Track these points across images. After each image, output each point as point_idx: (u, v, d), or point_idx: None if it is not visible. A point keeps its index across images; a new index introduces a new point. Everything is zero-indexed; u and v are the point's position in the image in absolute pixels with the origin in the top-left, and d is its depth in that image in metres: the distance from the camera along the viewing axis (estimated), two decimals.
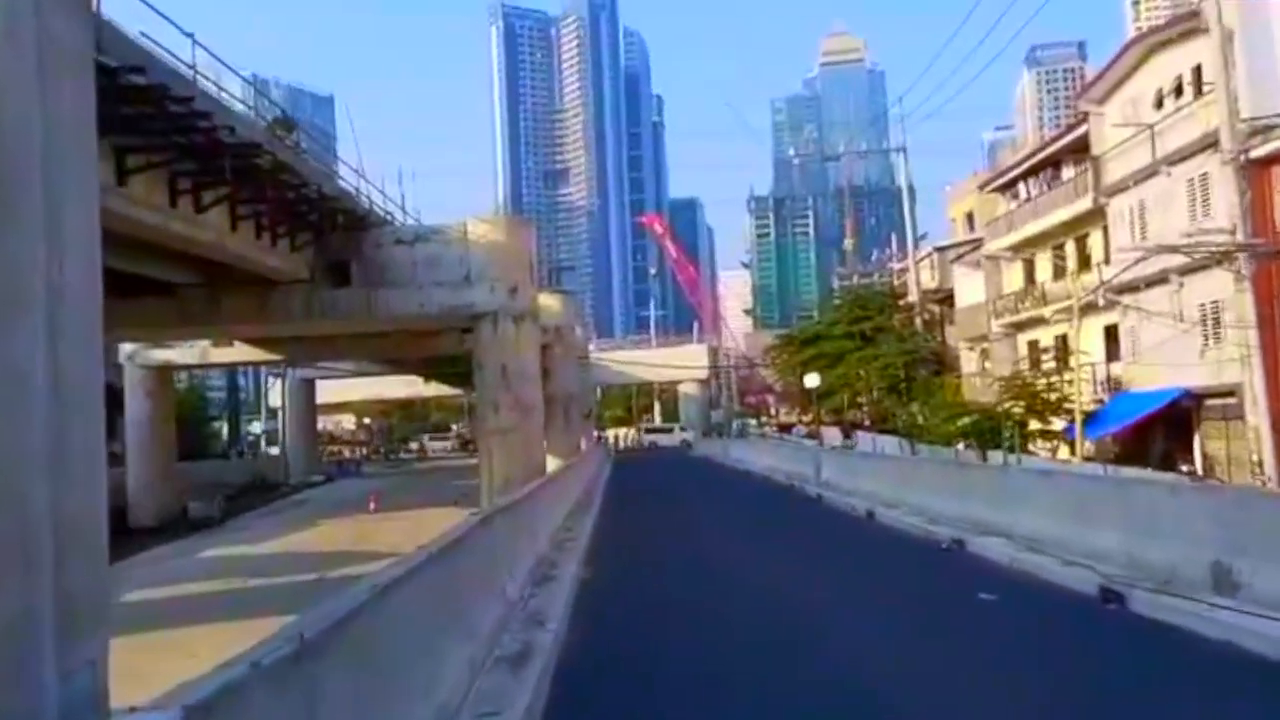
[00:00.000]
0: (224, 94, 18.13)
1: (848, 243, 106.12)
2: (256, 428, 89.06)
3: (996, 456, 28.30)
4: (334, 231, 23.53)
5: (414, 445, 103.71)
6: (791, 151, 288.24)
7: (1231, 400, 25.94)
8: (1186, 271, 27.24)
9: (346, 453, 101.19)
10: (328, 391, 77.85)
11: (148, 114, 14.73)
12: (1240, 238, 24.01)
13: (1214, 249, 24.02)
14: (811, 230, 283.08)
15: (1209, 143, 25.79)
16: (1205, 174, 26.43)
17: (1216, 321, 26.48)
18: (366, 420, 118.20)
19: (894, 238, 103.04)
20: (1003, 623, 9.59)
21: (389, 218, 27.41)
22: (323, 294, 25.18)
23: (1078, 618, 9.46)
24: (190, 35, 16.55)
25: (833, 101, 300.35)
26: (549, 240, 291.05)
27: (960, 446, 35.03)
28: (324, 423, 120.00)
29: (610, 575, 13.10)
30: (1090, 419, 30.60)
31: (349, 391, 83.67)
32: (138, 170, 16.40)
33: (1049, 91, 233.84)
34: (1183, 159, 27.29)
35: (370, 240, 25.54)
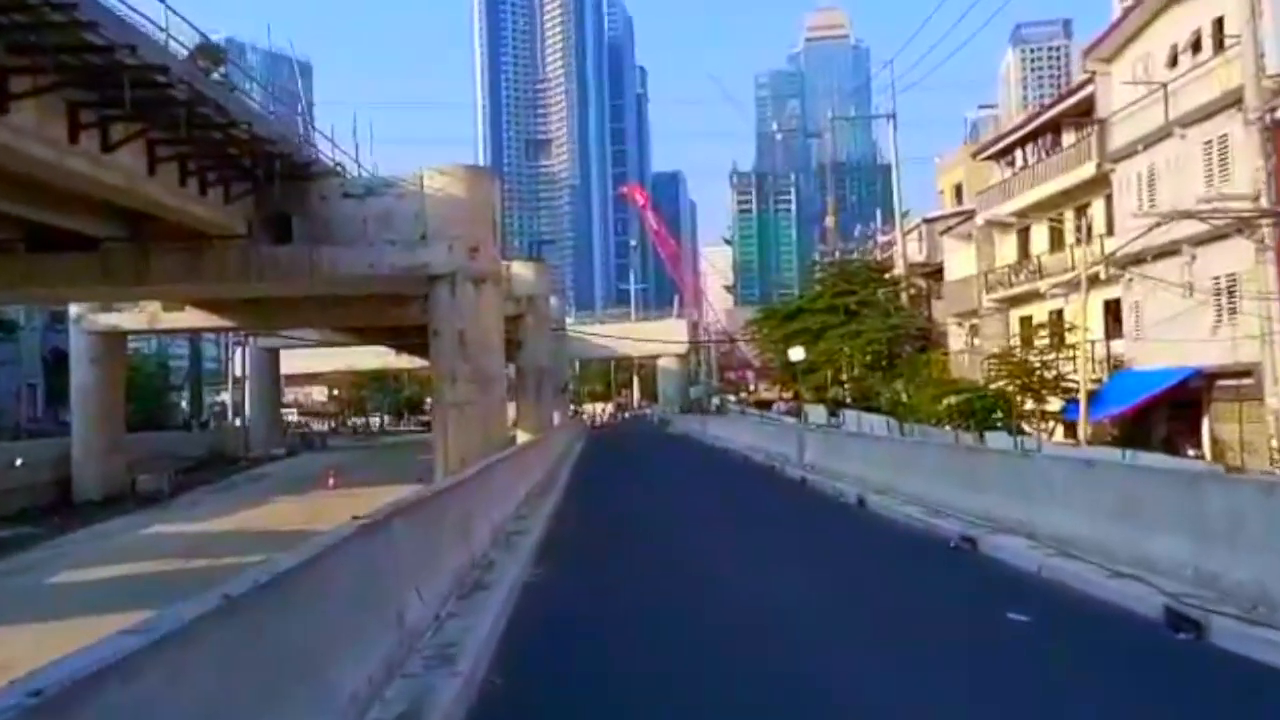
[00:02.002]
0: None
1: (829, 219, 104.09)
2: (225, 398, 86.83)
3: (993, 438, 26.38)
4: (274, 181, 21.11)
5: None
6: (774, 126, 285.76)
7: (1247, 381, 24.08)
8: (1200, 242, 25.31)
9: (314, 425, 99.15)
10: (296, 362, 75.81)
11: (21, 24, 12.39)
12: (1265, 204, 22.04)
13: (1237, 215, 22.03)
14: (793, 207, 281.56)
15: (1230, 102, 23.80)
16: (1225, 136, 24.45)
17: (1232, 295, 24.59)
18: (335, 392, 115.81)
19: (878, 212, 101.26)
20: (1044, 654, 7.54)
21: (339, 169, 25.04)
22: (261, 251, 22.78)
23: (1142, 650, 7.44)
24: None
25: (816, 77, 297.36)
26: (530, 212, 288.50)
27: (947, 428, 33.16)
28: (294, 394, 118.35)
29: (562, 579, 10.99)
30: (1089, 399, 28.72)
31: (318, 362, 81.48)
32: (24, 95, 14.04)
33: (1033, 70, 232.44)
34: (1199, 120, 25.30)
35: (315, 192, 23.13)
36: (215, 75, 18.44)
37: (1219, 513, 7.98)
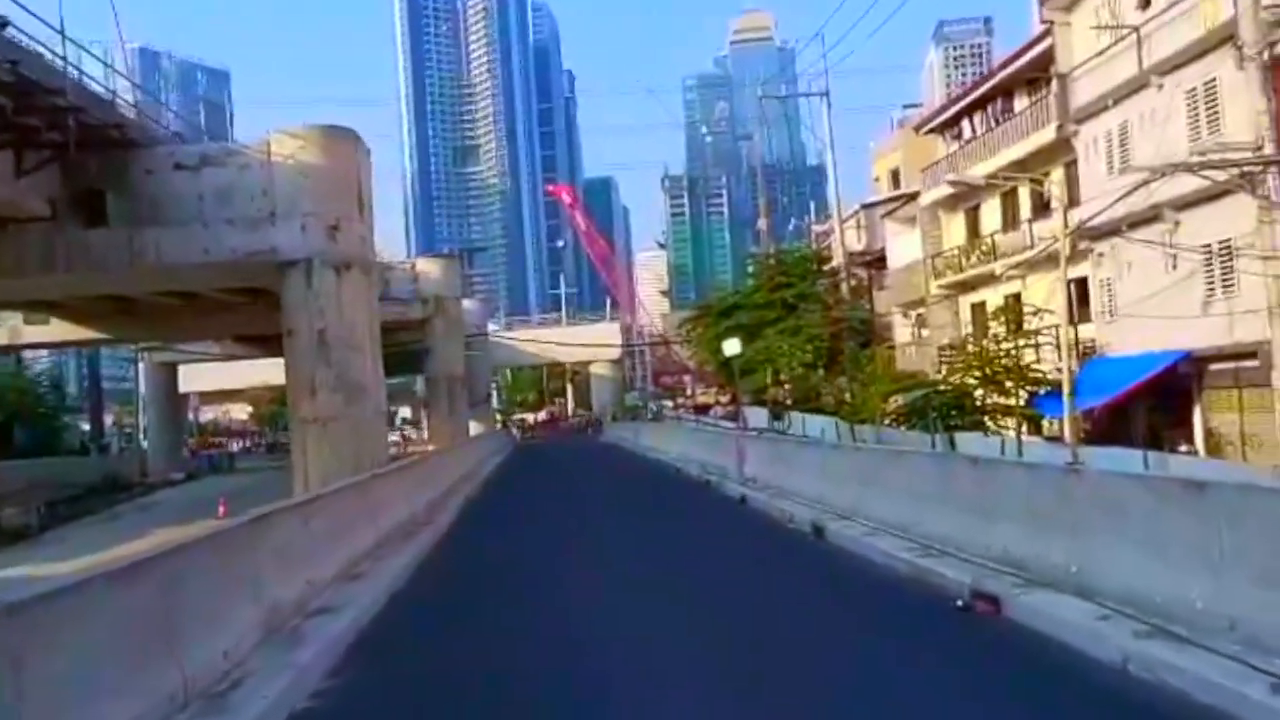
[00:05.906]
0: None
1: (762, 222, 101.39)
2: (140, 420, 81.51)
3: (966, 440, 22.81)
4: (70, 148, 16.69)
5: None
6: (704, 129, 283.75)
7: (1250, 363, 20.82)
8: (1184, 206, 22.07)
9: (234, 446, 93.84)
10: (206, 378, 70.87)
11: None
12: (1269, 151, 18.72)
13: (1241, 164, 18.68)
14: (726, 210, 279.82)
15: (1218, 41, 20.58)
16: (1212, 81, 21.22)
17: (1227, 264, 21.33)
18: (253, 410, 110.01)
19: (812, 206, 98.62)
20: None
21: (179, 137, 20.63)
22: (68, 236, 18.32)
23: None
24: None
25: (743, 79, 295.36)
26: (460, 219, 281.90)
27: (903, 429, 29.62)
28: (212, 413, 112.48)
29: (367, 700, 6.93)
30: (1059, 391, 25.32)
31: (231, 378, 76.04)
32: None
33: (957, 67, 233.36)
34: (1181, 65, 22.07)
35: (138, 165, 18.68)
36: None
37: None
